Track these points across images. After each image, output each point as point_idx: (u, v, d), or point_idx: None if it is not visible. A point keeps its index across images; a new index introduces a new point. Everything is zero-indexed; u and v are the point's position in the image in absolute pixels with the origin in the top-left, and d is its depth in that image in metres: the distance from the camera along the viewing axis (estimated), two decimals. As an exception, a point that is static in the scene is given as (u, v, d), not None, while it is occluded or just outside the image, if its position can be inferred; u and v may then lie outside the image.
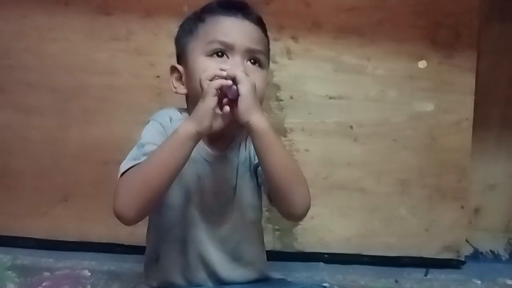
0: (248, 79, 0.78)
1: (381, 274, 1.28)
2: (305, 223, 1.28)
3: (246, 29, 0.86)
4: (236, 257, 0.91)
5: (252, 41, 0.86)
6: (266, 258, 0.98)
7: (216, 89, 0.77)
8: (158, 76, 1.26)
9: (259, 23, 0.89)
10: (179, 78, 0.90)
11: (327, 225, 1.32)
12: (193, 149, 0.79)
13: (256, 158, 0.84)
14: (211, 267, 0.89)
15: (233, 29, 0.85)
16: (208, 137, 0.87)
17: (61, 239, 1.29)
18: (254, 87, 0.79)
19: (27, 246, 1.28)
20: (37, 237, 1.30)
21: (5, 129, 1.28)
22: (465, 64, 1.30)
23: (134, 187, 0.77)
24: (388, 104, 1.31)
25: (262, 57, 0.88)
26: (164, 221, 0.88)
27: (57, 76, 1.27)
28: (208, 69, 0.81)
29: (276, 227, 1.30)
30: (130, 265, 1.22)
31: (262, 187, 0.91)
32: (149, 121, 0.89)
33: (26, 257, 1.24)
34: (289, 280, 1.04)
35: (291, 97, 1.30)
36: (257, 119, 0.77)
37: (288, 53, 1.29)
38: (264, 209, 0.97)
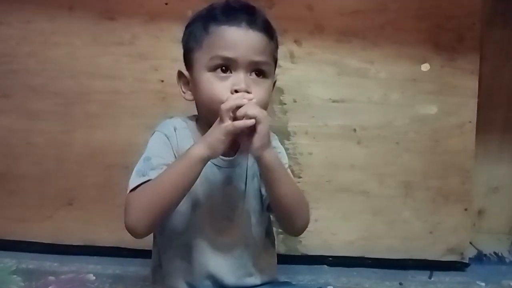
0: (266, 117, 0.79)
1: (385, 276, 1.28)
2: (308, 226, 1.28)
3: (250, 41, 0.84)
4: (242, 264, 0.91)
5: (256, 53, 0.84)
6: (276, 262, 0.99)
7: (237, 128, 0.78)
8: (162, 81, 1.26)
9: (265, 29, 0.86)
10: (187, 83, 0.90)
11: (331, 228, 1.32)
12: (202, 169, 0.81)
13: None
14: (215, 274, 0.90)
15: (236, 42, 0.83)
16: None
17: (65, 243, 1.30)
18: (268, 123, 0.79)
19: (31, 250, 1.28)
20: (41, 241, 1.30)
21: (9, 133, 1.29)
22: (468, 67, 1.31)
23: (145, 205, 0.80)
24: (391, 107, 1.31)
25: (266, 67, 0.86)
26: (170, 226, 0.89)
27: (61, 80, 1.27)
28: (228, 100, 0.80)
29: (280, 230, 1.30)
30: (135, 268, 1.22)
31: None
32: (154, 132, 0.90)
33: (31, 261, 1.24)
34: (293, 283, 1.04)
35: (295, 101, 1.30)
36: (268, 154, 0.81)
37: (291, 57, 1.29)
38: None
